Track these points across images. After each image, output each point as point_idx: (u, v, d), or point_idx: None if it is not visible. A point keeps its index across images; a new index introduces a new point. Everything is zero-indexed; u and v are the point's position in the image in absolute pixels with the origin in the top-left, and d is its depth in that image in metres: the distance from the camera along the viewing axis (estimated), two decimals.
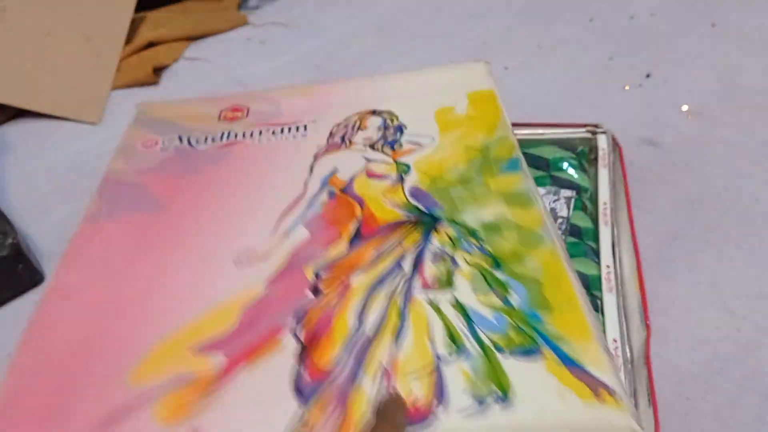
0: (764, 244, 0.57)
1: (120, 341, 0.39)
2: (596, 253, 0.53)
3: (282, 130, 0.53)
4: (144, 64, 0.80)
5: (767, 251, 0.56)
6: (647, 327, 0.48)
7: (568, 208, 0.56)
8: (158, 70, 0.81)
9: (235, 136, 0.53)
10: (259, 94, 0.59)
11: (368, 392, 0.34)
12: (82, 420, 0.35)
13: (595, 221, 0.55)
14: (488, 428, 0.32)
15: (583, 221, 0.55)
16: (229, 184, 0.49)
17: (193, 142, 0.53)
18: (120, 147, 0.54)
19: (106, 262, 0.44)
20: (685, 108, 0.71)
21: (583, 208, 0.56)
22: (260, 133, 0.53)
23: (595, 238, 0.54)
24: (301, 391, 0.35)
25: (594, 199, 0.57)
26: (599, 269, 0.51)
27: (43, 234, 0.65)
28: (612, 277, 0.51)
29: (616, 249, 0.53)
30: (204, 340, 0.38)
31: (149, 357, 0.37)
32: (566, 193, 0.57)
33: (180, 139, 0.54)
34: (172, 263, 0.43)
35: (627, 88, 0.75)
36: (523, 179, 0.46)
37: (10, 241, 0.60)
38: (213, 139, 0.53)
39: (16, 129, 0.78)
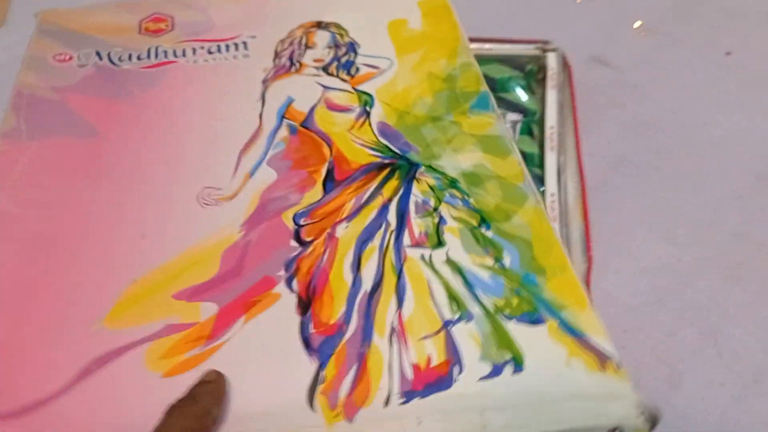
0: (711, 172, 0.56)
1: (85, 283, 0.35)
2: (541, 180, 0.50)
3: (219, 48, 0.48)
4: None
5: (713, 179, 0.55)
6: (589, 258, 0.46)
7: (514, 133, 0.53)
8: None
9: (165, 54, 0.48)
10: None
11: (385, 354, 0.32)
12: (63, 368, 0.32)
13: (541, 146, 0.52)
14: (503, 394, 0.31)
15: (528, 146, 0.52)
16: (170, 113, 0.44)
17: (114, 59, 0.48)
18: (28, 59, 0.48)
19: (42, 189, 0.39)
20: (637, 24, 0.68)
21: (530, 133, 0.53)
22: (194, 51, 0.48)
23: (541, 164, 0.51)
24: (311, 346, 0.33)
25: (540, 123, 0.54)
26: (543, 197, 0.49)
27: None
28: (556, 206, 0.49)
29: (562, 176, 0.50)
30: (185, 286, 0.35)
31: (123, 301, 0.34)
32: (513, 116, 0.54)
33: (99, 55, 0.48)
34: (125, 198, 0.39)
35: (579, 1, 0.71)
36: (497, 122, 0.43)
37: None
38: (139, 57, 0.48)
39: None
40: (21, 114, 0.44)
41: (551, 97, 0.54)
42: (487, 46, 0.57)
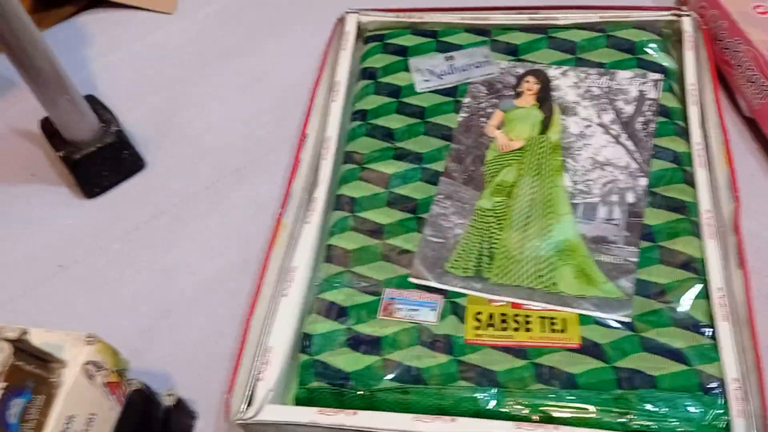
0: None
1: None
2: (685, 132, 0.56)
3: None
4: None
5: None
6: (736, 199, 0.51)
7: (657, 90, 0.58)
8: None
9: None
10: None
11: None
12: None
13: (682, 101, 0.57)
14: None
15: (671, 102, 0.57)
16: None
17: None
18: (736, 16, 0.57)
19: None
20: None
21: (671, 90, 0.58)
22: None
23: (684, 117, 0.56)
24: None
25: (680, 81, 0.59)
26: (689, 147, 0.54)
27: (138, 123, 0.68)
28: (702, 152, 0.54)
29: (705, 127, 0.55)
30: None
31: None
32: (654, 76, 0.59)
33: None
34: None
35: None
36: None
37: (114, 128, 0.63)
38: None
39: (92, 20, 0.80)
40: None
41: (689, 57, 0.59)
42: (624, 13, 0.62)
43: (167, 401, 0.46)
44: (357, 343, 0.48)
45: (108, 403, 0.40)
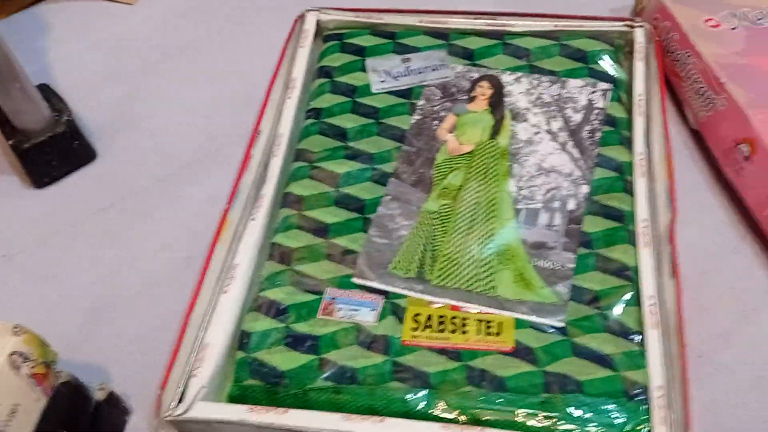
0: None
1: None
2: (630, 142, 0.56)
3: None
4: None
5: None
6: (673, 210, 0.52)
7: (605, 100, 0.59)
8: None
9: None
10: None
11: None
12: None
13: (629, 112, 0.58)
14: None
15: (618, 112, 0.58)
16: None
17: (752, 19, 0.58)
18: (687, 29, 0.58)
19: None
20: None
21: (619, 100, 0.59)
22: None
23: (629, 127, 0.57)
24: None
25: (629, 91, 0.60)
26: (632, 156, 0.55)
27: (93, 113, 0.68)
28: (644, 163, 0.55)
29: (649, 138, 0.56)
30: None
31: None
32: (603, 85, 0.60)
33: (735, 16, 0.58)
34: None
35: None
36: None
37: (65, 118, 0.63)
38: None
39: (53, 9, 0.79)
40: (739, 83, 0.53)
41: (639, 68, 0.60)
42: (579, 22, 0.63)
43: (98, 395, 0.46)
44: (295, 341, 0.48)
45: (34, 394, 0.40)
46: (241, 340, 0.49)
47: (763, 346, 0.50)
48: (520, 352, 0.46)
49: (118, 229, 0.60)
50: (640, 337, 0.46)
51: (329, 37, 0.67)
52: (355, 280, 0.51)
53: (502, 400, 0.44)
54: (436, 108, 0.61)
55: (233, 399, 0.47)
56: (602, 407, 0.43)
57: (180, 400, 0.45)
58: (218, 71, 0.71)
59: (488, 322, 0.48)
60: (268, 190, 0.56)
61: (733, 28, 0.60)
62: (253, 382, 0.47)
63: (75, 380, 0.44)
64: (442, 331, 0.48)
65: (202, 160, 0.64)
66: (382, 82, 0.63)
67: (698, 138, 0.60)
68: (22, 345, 0.39)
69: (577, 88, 0.60)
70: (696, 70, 0.59)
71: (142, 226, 0.60)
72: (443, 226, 0.53)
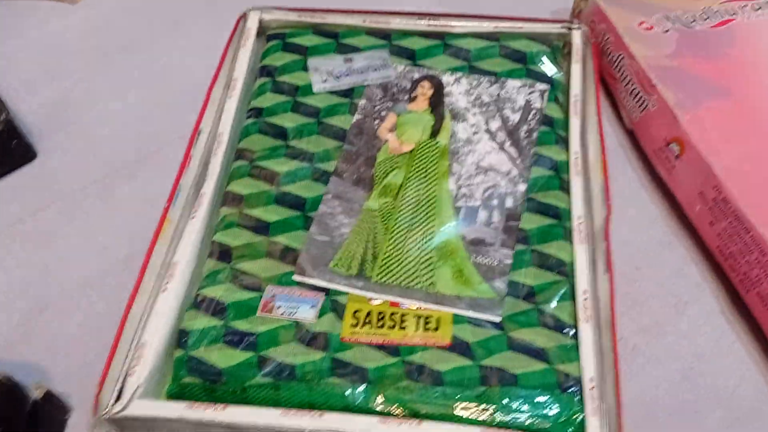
0: None
1: None
2: (566, 141, 0.58)
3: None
4: None
5: None
6: (608, 207, 0.53)
7: (542, 100, 0.60)
8: None
9: (718, 14, 0.59)
10: None
11: None
12: None
13: (566, 112, 0.60)
14: None
15: (555, 112, 0.60)
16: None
17: (685, 22, 0.59)
18: (622, 31, 0.60)
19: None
20: None
21: (556, 100, 0.60)
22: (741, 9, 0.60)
23: (566, 127, 0.59)
24: None
25: (566, 92, 0.61)
26: (568, 155, 0.57)
27: (32, 113, 0.67)
28: (579, 162, 0.56)
29: (584, 138, 0.58)
30: None
31: None
32: (541, 86, 0.61)
33: (668, 19, 0.60)
34: None
35: None
36: None
37: (3, 117, 0.62)
38: (705, 19, 0.59)
39: None
40: (667, 85, 0.55)
41: (575, 70, 0.62)
42: (519, 24, 0.64)
43: (35, 394, 0.45)
44: (233, 339, 0.48)
45: None
46: (180, 338, 0.48)
47: (694, 338, 0.51)
48: (458, 346, 0.47)
49: (57, 230, 0.59)
50: (574, 330, 0.48)
51: (272, 36, 0.67)
52: (296, 278, 0.51)
53: (439, 393, 0.45)
54: (377, 108, 0.61)
55: (172, 397, 0.46)
56: (537, 399, 0.44)
57: (117, 398, 0.44)
58: (159, 71, 0.70)
59: (427, 317, 0.49)
60: (209, 189, 0.56)
61: (666, 31, 0.61)
62: (191, 379, 0.46)
63: (9, 380, 0.43)
64: (381, 327, 0.48)
65: (142, 160, 0.63)
66: (324, 81, 0.63)
67: (633, 138, 0.62)
68: None
69: (516, 89, 0.61)
70: (629, 72, 0.61)
71: (80, 226, 0.59)
72: (384, 224, 0.54)
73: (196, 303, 0.50)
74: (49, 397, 0.47)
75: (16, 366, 0.46)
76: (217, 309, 0.49)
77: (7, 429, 0.43)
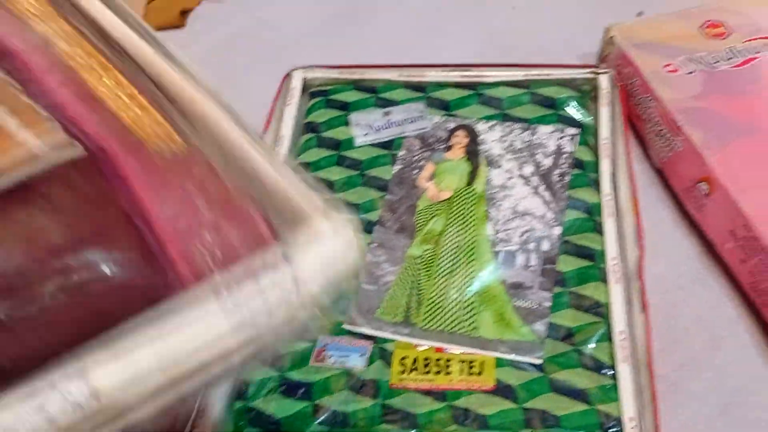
0: None
1: None
2: (597, 183, 0.60)
3: None
4: (171, 7, 0.84)
5: None
6: (641, 247, 0.55)
7: (573, 144, 0.63)
8: (184, 13, 0.86)
9: (741, 53, 0.63)
10: (720, 6, 0.68)
11: None
12: None
13: (596, 154, 0.62)
14: None
15: (585, 155, 0.62)
16: None
17: (709, 62, 0.63)
18: (647, 74, 0.63)
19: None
20: None
21: (586, 143, 0.63)
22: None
23: (596, 169, 0.61)
24: None
25: (595, 135, 0.64)
26: (600, 197, 0.59)
27: None
28: (611, 203, 0.58)
29: (615, 179, 0.60)
30: None
31: None
32: (571, 130, 0.64)
33: (692, 60, 0.63)
34: None
35: None
36: None
37: None
38: (729, 59, 0.63)
39: None
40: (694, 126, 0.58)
41: (604, 113, 0.64)
42: (548, 71, 0.67)
43: None
44: (289, 389, 0.51)
45: None
46: (239, 389, 0.52)
47: (731, 373, 0.53)
48: (501, 390, 0.50)
49: None
50: (612, 371, 0.50)
51: (315, 93, 0.71)
52: (347, 327, 0.54)
53: None
54: (415, 158, 0.65)
55: None
56: None
57: None
58: None
59: (471, 362, 0.52)
60: None
61: (691, 73, 0.64)
62: (251, 430, 0.50)
63: None
64: (427, 372, 0.51)
65: None
66: (365, 135, 0.67)
67: (663, 175, 0.64)
68: None
69: (547, 134, 0.64)
70: (656, 114, 0.63)
71: None
72: (427, 271, 0.57)
73: None
74: None
75: None
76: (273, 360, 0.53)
77: None
